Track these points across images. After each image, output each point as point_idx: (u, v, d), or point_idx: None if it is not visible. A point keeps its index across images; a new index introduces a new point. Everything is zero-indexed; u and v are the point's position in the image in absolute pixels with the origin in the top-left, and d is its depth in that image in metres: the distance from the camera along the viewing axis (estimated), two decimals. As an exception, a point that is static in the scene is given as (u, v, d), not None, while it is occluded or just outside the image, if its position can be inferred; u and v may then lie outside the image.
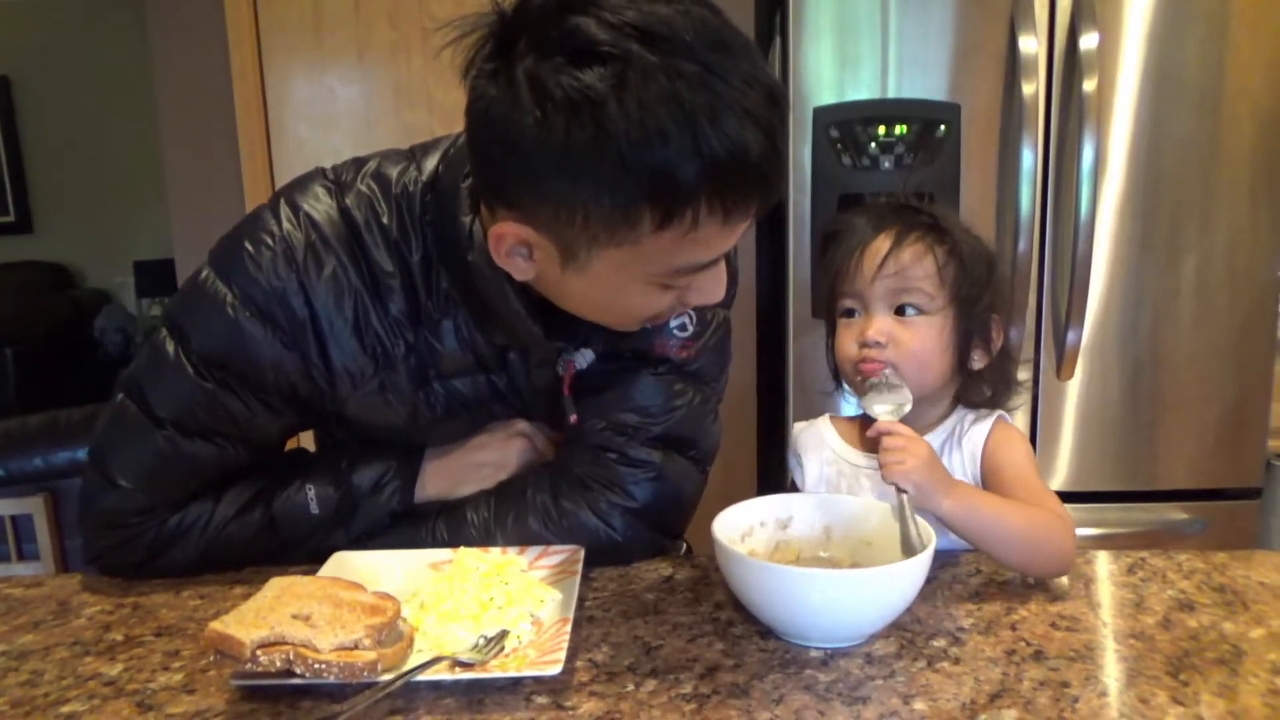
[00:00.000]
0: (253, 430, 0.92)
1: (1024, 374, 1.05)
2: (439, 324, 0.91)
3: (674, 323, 0.95)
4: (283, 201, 0.90)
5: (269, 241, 0.87)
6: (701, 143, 0.68)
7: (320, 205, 0.89)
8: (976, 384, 0.97)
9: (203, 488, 0.93)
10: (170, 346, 0.88)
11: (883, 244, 0.93)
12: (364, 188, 0.90)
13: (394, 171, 0.91)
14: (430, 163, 0.90)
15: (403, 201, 0.89)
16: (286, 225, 0.88)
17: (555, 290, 0.83)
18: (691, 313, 0.95)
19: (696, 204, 0.71)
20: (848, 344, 0.95)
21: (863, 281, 0.93)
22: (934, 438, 0.95)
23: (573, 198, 0.72)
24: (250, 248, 0.87)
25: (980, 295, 0.94)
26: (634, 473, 0.94)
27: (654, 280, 0.79)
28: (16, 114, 4.98)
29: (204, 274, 0.89)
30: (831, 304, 0.98)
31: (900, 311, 0.92)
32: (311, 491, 0.94)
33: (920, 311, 0.92)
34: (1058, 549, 0.86)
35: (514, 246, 0.79)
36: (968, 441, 0.95)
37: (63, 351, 4.65)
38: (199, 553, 0.92)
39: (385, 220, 0.89)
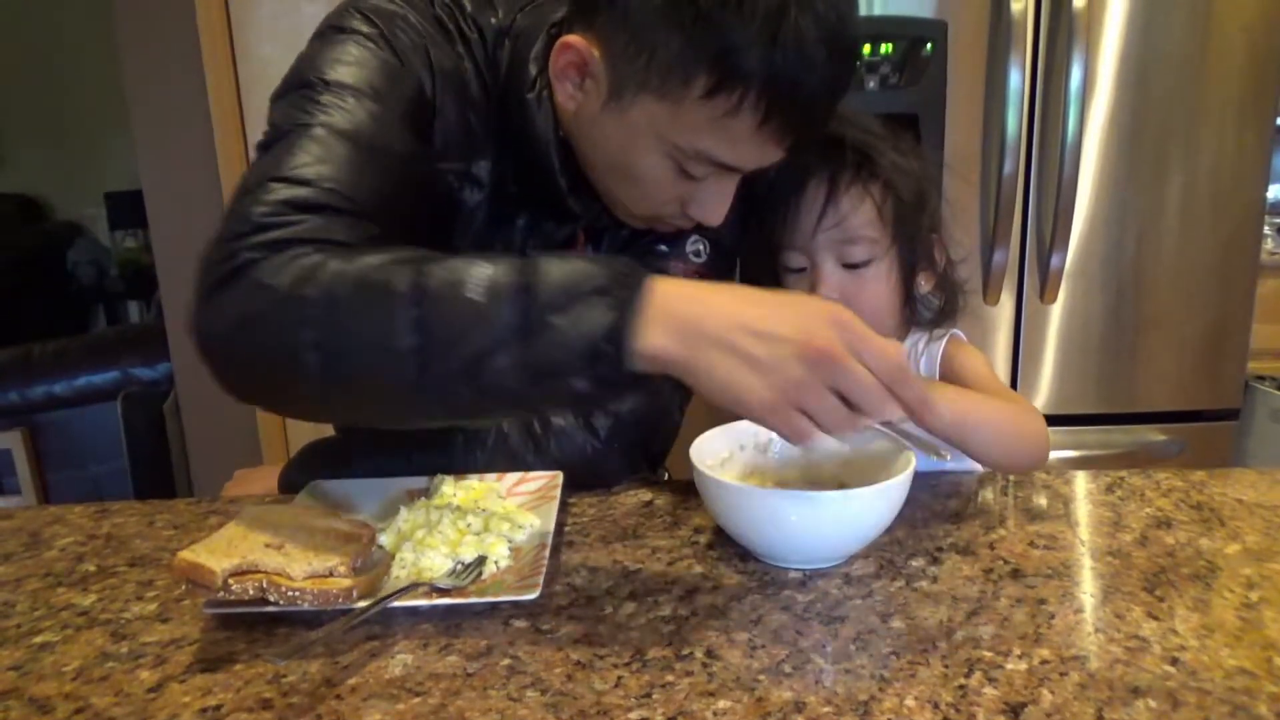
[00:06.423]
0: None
1: (1007, 298, 1.06)
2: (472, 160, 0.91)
3: (690, 248, 0.98)
4: None
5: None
6: (779, 38, 0.72)
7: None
8: (925, 300, 0.98)
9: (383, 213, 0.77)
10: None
11: (816, 193, 0.90)
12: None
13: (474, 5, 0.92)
14: (505, 11, 0.92)
15: (472, 31, 0.91)
16: None
17: (584, 132, 0.86)
18: (706, 241, 0.98)
19: (745, 93, 0.75)
20: None
21: (803, 236, 0.91)
22: None
23: (649, 35, 0.76)
24: None
25: (920, 221, 0.93)
26: None
27: (673, 154, 0.81)
28: (-26, 43, 4.81)
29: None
30: (772, 254, 0.95)
31: (848, 265, 0.92)
32: (483, 271, 0.65)
33: (868, 261, 0.91)
34: (1035, 435, 0.89)
35: (571, 68, 0.82)
36: (925, 361, 0.96)
37: (34, 285, 4.57)
38: (325, 296, 0.66)
39: (467, 32, 0.91)
